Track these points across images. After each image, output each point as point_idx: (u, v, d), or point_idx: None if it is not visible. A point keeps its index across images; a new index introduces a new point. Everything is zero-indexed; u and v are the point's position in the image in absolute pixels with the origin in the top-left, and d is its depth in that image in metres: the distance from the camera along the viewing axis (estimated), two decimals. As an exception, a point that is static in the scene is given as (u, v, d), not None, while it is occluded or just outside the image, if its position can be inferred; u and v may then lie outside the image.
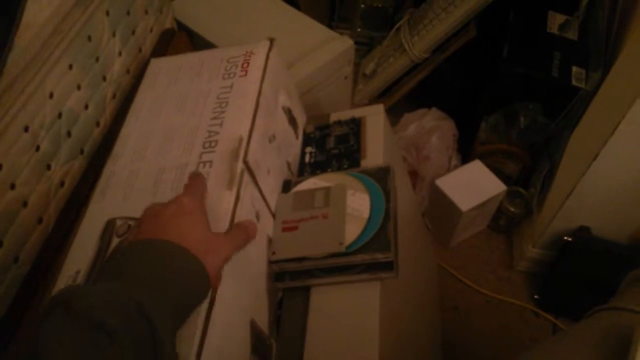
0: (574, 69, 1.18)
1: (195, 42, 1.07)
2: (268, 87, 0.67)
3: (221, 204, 0.52)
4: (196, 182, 0.51)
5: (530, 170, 1.28)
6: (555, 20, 1.25)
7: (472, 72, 1.37)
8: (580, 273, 1.12)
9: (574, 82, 1.15)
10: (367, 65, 1.64)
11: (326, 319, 0.60)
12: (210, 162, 0.58)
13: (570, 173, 1.07)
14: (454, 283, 1.25)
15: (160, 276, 0.39)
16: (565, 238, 1.10)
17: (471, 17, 1.33)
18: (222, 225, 0.51)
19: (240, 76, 0.67)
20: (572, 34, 1.25)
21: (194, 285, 0.41)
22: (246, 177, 0.57)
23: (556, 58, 1.18)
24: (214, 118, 0.63)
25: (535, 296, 1.21)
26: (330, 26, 1.70)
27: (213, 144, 0.60)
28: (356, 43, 1.73)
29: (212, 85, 0.68)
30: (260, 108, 0.63)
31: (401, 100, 1.55)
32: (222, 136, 0.60)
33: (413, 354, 0.83)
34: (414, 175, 1.31)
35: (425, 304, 1.03)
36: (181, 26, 1.06)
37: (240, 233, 0.48)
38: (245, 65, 0.69)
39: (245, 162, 0.57)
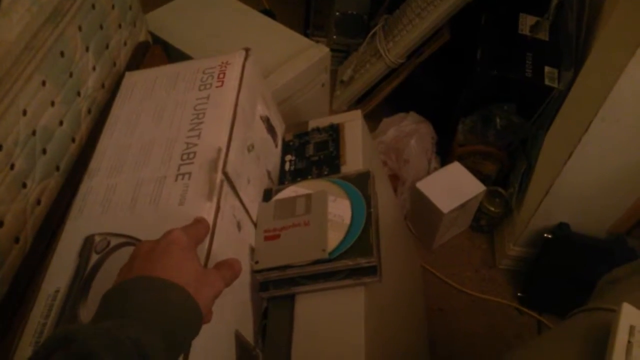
0: (547, 69, 1.20)
1: (171, 54, 1.07)
2: (245, 97, 0.67)
3: (202, 215, 0.52)
4: (197, 225, 0.49)
5: (509, 169, 1.30)
6: (527, 22, 1.28)
7: (447, 76, 1.39)
8: (562, 269, 1.14)
9: (547, 82, 1.17)
10: (344, 72, 1.65)
11: (312, 326, 0.60)
12: (189, 173, 0.58)
13: (547, 171, 1.09)
14: (438, 284, 1.26)
15: (155, 312, 0.38)
16: (545, 235, 1.11)
17: (444, 22, 1.35)
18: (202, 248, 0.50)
19: (217, 87, 0.67)
20: (543, 35, 1.28)
21: (187, 320, 0.40)
22: (226, 187, 0.57)
23: (529, 59, 1.21)
24: (192, 130, 0.63)
25: (519, 294, 1.22)
26: (306, 35, 1.71)
27: (191, 156, 0.59)
28: (332, 50, 1.74)
29: (188, 97, 0.67)
30: (237, 118, 0.63)
31: (379, 106, 1.56)
32: (200, 147, 0.60)
33: (400, 356, 0.83)
34: (394, 179, 1.32)
35: (411, 307, 1.03)
36: (156, 39, 1.06)
37: (227, 269, 0.48)
38: (221, 75, 0.69)
39: (225, 173, 0.57)
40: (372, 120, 1.51)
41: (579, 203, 1.07)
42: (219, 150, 0.58)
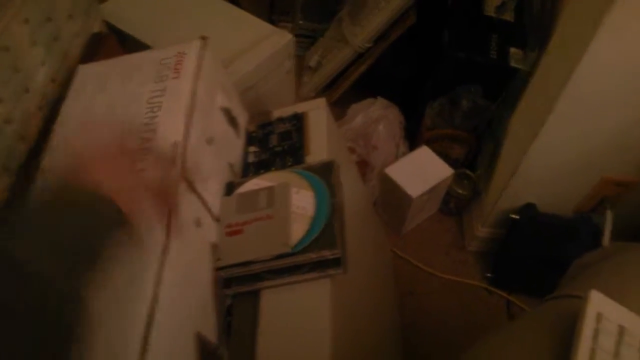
0: (512, 50, 1.21)
1: (130, 45, 1.03)
2: (203, 88, 0.65)
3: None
4: None
5: (476, 152, 1.30)
6: (492, 3, 1.27)
7: (414, 59, 1.38)
8: (529, 248, 1.16)
9: (512, 63, 1.18)
10: (312, 58, 1.63)
11: (277, 322, 0.59)
12: (145, 170, 0.55)
13: (513, 153, 1.10)
14: (409, 268, 1.26)
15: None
16: (512, 216, 1.13)
17: (410, 4, 1.34)
18: (160, 238, 0.49)
19: (173, 78, 0.65)
20: (508, 16, 1.27)
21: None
22: (183, 183, 0.55)
23: (494, 40, 1.21)
24: (147, 124, 0.61)
25: (488, 274, 1.24)
26: (271, 20, 1.68)
27: (146, 152, 0.57)
28: (299, 36, 1.72)
29: (143, 90, 0.65)
30: (195, 110, 0.62)
31: (348, 91, 1.55)
32: (155, 142, 0.58)
33: (371, 344, 0.84)
34: (364, 165, 1.31)
35: (382, 293, 1.03)
36: (113, 29, 1.02)
37: None
38: (178, 66, 0.66)
39: (182, 168, 0.55)
40: (341, 106, 1.49)
41: (545, 183, 1.09)
42: (175, 144, 0.57)
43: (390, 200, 1.27)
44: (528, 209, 1.12)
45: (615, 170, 1.03)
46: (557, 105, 0.91)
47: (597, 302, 0.44)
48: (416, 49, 1.37)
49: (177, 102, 0.62)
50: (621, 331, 0.42)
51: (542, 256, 1.13)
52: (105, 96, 0.66)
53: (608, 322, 0.42)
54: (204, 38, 0.69)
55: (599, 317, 0.42)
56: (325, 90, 1.61)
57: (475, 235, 1.26)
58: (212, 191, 0.64)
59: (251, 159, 0.75)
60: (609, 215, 1.06)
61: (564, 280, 0.63)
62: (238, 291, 0.61)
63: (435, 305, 1.21)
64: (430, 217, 1.37)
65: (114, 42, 0.90)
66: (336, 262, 0.59)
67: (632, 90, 0.87)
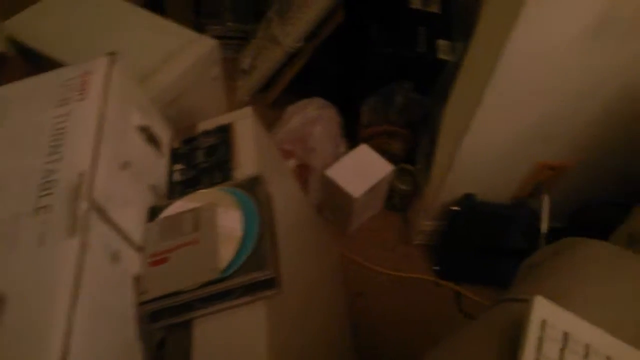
0: (440, 42, 1.21)
1: (43, 64, 0.96)
2: (113, 109, 0.60)
3: (64, 258, 0.46)
4: None
5: (414, 146, 1.31)
6: (418, -5, 1.28)
7: (346, 57, 1.37)
8: (471, 237, 1.17)
9: (440, 55, 1.18)
10: (244, 61, 1.59)
11: (212, 351, 0.56)
12: (49, 206, 0.51)
13: (448, 145, 1.10)
14: (358, 269, 1.25)
15: None
16: (452, 207, 1.13)
17: (338, 1, 1.32)
18: (66, 295, 0.44)
19: (78, 101, 0.60)
20: (435, 7, 1.28)
21: None
22: (93, 217, 0.51)
23: (421, 33, 1.21)
24: (51, 154, 0.56)
25: (435, 267, 1.25)
26: (199, 24, 1.62)
27: (51, 185, 0.53)
28: (229, 38, 1.68)
29: (46, 116, 0.60)
30: (104, 134, 0.57)
31: (285, 93, 1.52)
32: (61, 174, 0.53)
33: (318, 355, 0.81)
34: (305, 168, 1.29)
35: (330, 299, 1.02)
36: (21, 48, 0.94)
37: None
38: (83, 87, 0.61)
39: (91, 201, 0.51)
40: (278, 108, 1.46)
41: (481, 173, 1.10)
42: (81, 174, 0.52)
43: (334, 201, 1.26)
44: (467, 200, 1.13)
45: (547, 155, 1.05)
46: (485, 97, 0.92)
47: (542, 309, 0.43)
48: (347, 46, 1.35)
49: (83, 127, 0.57)
50: (565, 338, 0.41)
51: (483, 244, 1.15)
52: (4, 128, 0.60)
53: (552, 329, 0.41)
54: (111, 54, 0.65)
55: (543, 325, 0.41)
56: (261, 93, 1.58)
57: (420, 229, 1.26)
58: (132, 219, 0.59)
59: (177, 177, 0.71)
60: (545, 200, 1.08)
61: (515, 280, 0.63)
62: (167, 324, 0.57)
63: (385, 303, 1.20)
64: (375, 215, 1.36)
65: (20, 62, 0.83)
66: (270, 283, 0.56)
67: (550, 79, 0.89)
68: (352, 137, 1.36)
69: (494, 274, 1.19)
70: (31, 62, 0.91)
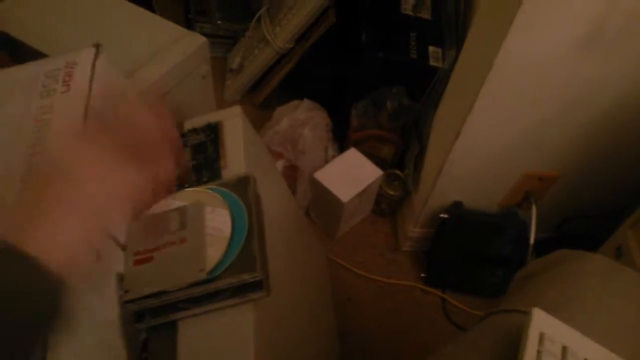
0: (431, 48, 1.21)
1: (24, 54, 0.93)
2: (98, 102, 0.58)
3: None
4: None
5: (404, 152, 1.30)
6: (409, 1, 1.27)
7: (337, 60, 1.36)
8: (459, 245, 1.16)
9: (431, 62, 1.18)
10: (233, 60, 1.57)
11: (198, 354, 0.54)
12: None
13: (438, 151, 1.10)
14: (345, 274, 1.24)
15: None
16: (441, 215, 1.13)
17: (329, 3, 1.31)
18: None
19: (62, 92, 0.58)
20: (425, 13, 1.27)
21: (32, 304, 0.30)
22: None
23: (413, 39, 1.20)
24: (35, 145, 0.54)
25: (422, 274, 1.24)
26: (188, 21, 1.60)
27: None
28: (219, 37, 1.65)
29: (28, 108, 0.57)
30: (90, 128, 0.55)
31: (274, 93, 1.50)
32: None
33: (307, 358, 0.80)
34: (293, 170, 1.27)
35: (317, 304, 1.00)
36: (4, 38, 0.92)
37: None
38: (67, 78, 0.59)
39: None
40: (267, 109, 1.45)
41: (470, 180, 1.10)
42: (65, 169, 0.50)
43: (322, 205, 1.25)
44: (455, 207, 1.12)
45: (536, 165, 1.05)
46: (476, 104, 0.91)
47: (540, 321, 0.42)
48: (338, 49, 1.34)
49: (67, 119, 0.55)
50: (564, 352, 0.40)
51: (471, 253, 1.15)
52: (-16, 116, 0.58)
53: (551, 343, 0.40)
54: (97, 45, 0.63)
55: (541, 338, 0.40)
56: (250, 93, 1.56)
57: (408, 235, 1.25)
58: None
59: (163, 175, 0.69)
60: (534, 210, 1.08)
61: (508, 290, 0.62)
62: (151, 324, 0.55)
63: (372, 309, 1.19)
64: (363, 220, 1.35)
65: (1, 54, 0.80)
66: (257, 285, 0.55)
67: (541, 89, 0.89)
68: (341, 141, 1.35)
69: (481, 282, 1.18)
70: (14, 52, 0.88)
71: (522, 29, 0.79)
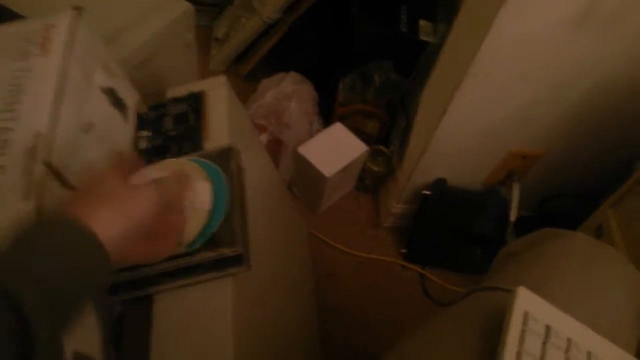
0: (421, 22, 1.19)
1: (3, 15, 0.89)
2: (76, 67, 0.56)
3: (18, 222, 0.42)
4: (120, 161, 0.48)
5: (390, 128, 1.29)
6: (400, -28, 1.24)
7: (326, 33, 1.33)
8: (441, 222, 1.17)
9: (422, 37, 1.16)
10: (219, 29, 1.54)
11: (173, 327, 0.53)
12: (3, 167, 0.47)
13: (424, 128, 1.09)
14: (326, 249, 1.24)
15: (55, 263, 0.34)
16: (424, 192, 1.13)
17: (319, -27, 1.28)
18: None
19: (38, 55, 0.55)
20: (417, -15, 1.25)
21: (84, 266, 0.36)
22: (51, 181, 0.47)
23: (403, 13, 1.18)
24: (7, 111, 0.51)
25: (402, 250, 1.24)
26: (173, -13, 1.55)
27: (6, 145, 0.48)
28: (205, 4, 1.61)
29: (3, 69, 0.55)
30: (66, 93, 0.53)
31: (260, 65, 1.48)
32: (17, 133, 0.49)
33: (284, 337, 0.80)
34: (277, 144, 1.26)
35: (297, 279, 1.00)
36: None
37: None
38: (45, 42, 0.56)
39: (48, 164, 0.47)
40: (252, 81, 1.42)
41: (454, 158, 1.09)
42: (38, 135, 0.48)
43: (305, 179, 1.24)
44: (438, 184, 1.12)
45: (521, 143, 1.05)
46: (464, 81, 0.91)
47: (524, 300, 0.41)
48: (327, 21, 1.31)
49: (42, 84, 0.53)
50: (548, 332, 0.40)
51: (452, 230, 1.15)
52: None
53: (535, 322, 0.40)
54: (77, 8, 0.60)
55: (525, 317, 0.40)
56: (235, 64, 1.53)
57: (390, 211, 1.25)
58: (93, 185, 0.55)
59: (143, 144, 0.68)
60: (515, 188, 1.09)
61: (491, 267, 0.62)
62: (126, 298, 0.54)
63: (353, 285, 1.19)
64: (346, 195, 1.35)
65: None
66: (237, 260, 0.54)
67: (533, 67, 0.89)
68: (327, 115, 1.34)
69: (462, 259, 1.20)
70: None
71: (515, 6, 0.78)
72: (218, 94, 0.72)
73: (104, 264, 0.37)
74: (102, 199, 0.40)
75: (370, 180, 1.31)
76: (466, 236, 1.15)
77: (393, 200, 1.24)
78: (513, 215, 1.06)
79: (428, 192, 1.12)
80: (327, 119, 1.34)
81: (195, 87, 0.73)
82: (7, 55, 0.56)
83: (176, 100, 0.71)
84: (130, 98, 0.69)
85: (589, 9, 0.79)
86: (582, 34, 0.83)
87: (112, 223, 0.38)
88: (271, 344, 0.70)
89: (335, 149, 1.17)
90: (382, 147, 1.28)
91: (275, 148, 1.25)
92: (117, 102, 0.65)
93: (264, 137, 1.24)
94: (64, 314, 0.35)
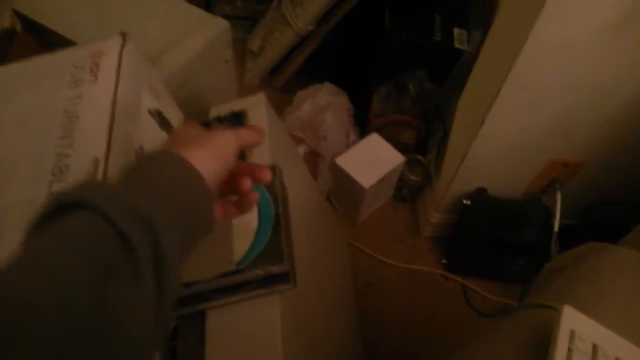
0: (456, 30, 1.18)
1: (49, 40, 0.94)
2: (126, 92, 0.58)
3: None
4: (250, 131, 0.46)
5: (426, 137, 1.28)
6: (433, -20, 1.24)
7: (359, 43, 1.34)
8: (481, 232, 1.15)
9: (456, 45, 1.15)
10: (254, 42, 1.56)
11: (225, 342, 0.55)
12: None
13: (462, 138, 1.08)
14: (366, 259, 1.24)
15: (166, 188, 0.35)
16: (464, 201, 1.12)
17: (352, -16, 1.29)
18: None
19: (90, 82, 0.58)
20: (450, -6, 1.24)
21: (199, 211, 0.37)
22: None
23: (437, 21, 1.18)
24: (63, 137, 0.54)
25: (443, 260, 1.23)
26: (208, 1, 1.59)
27: (64, 170, 0.51)
28: (239, 18, 1.64)
29: (57, 97, 0.58)
30: (118, 118, 0.55)
31: (295, 76, 1.49)
32: (74, 159, 0.52)
33: (329, 349, 0.81)
34: (314, 155, 1.27)
35: (339, 291, 1.01)
36: (27, 22, 0.92)
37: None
38: (95, 69, 0.59)
39: (105, 188, 0.49)
40: (287, 93, 1.44)
41: (494, 167, 1.08)
42: (96, 161, 0.50)
43: (343, 190, 1.24)
44: (479, 194, 1.11)
45: (562, 151, 1.03)
46: (503, 90, 0.90)
47: (571, 318, 0.41)
48: (360, 31, 1.32)
49: (96, 110, 0.55)
50: (595, 350, 0.40)
51: (493, 240, 1.14)
52: (13, 107, 0.59)
53: (581, 341, 0.40)
54: (123, 34, 0.62)
55: (572, 335, 0.40)
56: (270, 76, 1.55)
57: (429, 221, 1.25)
58: (145, 206, 0.58)
59: (189, 164, 0.69)
60: (558, 196, 1.06)
61: (534, 285, 0.61)
62: (180, 313, 0.56)
63: (393, 295, 1.19)
64: (384, 205, 1.35)
65: (28, 39, 0.81)
66: (284, 277, 0.55)
67: (573, 73, 0.87)
68: (362, 126, 1.34)
69: (502, 269, 1.18)
70: (39, 38, 0.89)
71: (554, 11, 0.77)
72: (258, 112, 0.73)
73: (208, 199, 0.37)
74: (192, 141, 0.40)
75: (408, 190, 1.31)
76: (508, 246, 1.13)
77: (432, 210, 1.23)
78: (556, 225, 1.04)
79: (468, 202, 1.11)
80: (362, 130, 1.34)
81: (236, 105, 0.74)
82: (61, 82, 0.59)
83: (219, 120, 0.73)
84: (176, 118, 0.72)
85: (630, 13, 0.77)
86: (623, 39, 0.81)
87: (205, 162, 0.38)
88: (318, 353, 0.70)
89: (373, 160, 1.18)
90: (419, 157, 1.28)
91: (313, 160, 1.26)
92: (164, 124, 0.68)
93: (301, 149, 1.26)
94: (183, 243, 0.36)
